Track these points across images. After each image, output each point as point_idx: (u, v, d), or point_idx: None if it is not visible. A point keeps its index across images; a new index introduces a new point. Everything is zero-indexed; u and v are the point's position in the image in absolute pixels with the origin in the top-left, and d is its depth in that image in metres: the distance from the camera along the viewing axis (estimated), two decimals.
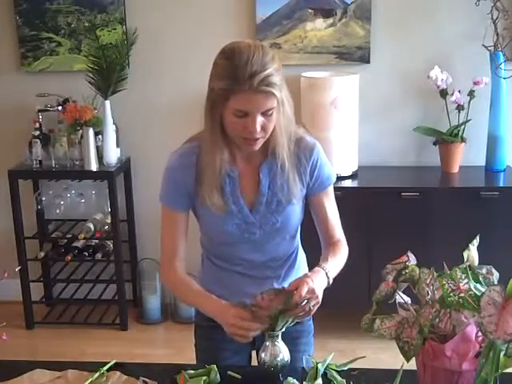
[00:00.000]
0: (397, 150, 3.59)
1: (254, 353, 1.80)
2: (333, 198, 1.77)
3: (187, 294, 1.72)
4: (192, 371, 1.54)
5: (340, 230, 1.77)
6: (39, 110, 3.49)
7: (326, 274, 1.60)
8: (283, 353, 1.56)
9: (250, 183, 1.68)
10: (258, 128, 1.53)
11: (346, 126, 3.30)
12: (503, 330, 1.12)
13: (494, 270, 1.33)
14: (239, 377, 1.57)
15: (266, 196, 1.67)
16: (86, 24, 3.52)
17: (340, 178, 3.31)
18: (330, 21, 3.44)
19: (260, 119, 1.52)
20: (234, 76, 1.48)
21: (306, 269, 1.86)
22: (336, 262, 1.69)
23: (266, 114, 1.52)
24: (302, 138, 1.70)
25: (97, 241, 3.66)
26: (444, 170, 3.42)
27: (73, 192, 3.64)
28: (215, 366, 1.55)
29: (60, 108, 3.44)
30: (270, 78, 1.49)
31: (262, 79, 1.48)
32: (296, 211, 1.70)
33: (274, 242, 1.72)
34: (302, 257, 1.85)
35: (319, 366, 1.54)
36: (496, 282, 1.30)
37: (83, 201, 3.65)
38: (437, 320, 1.26)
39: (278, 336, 1.55)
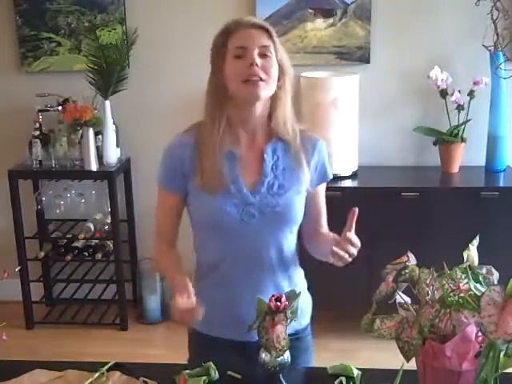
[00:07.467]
0: (397, 150, 3.59)
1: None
2: (324, 194, 1.81)
3: (163, 262, 1.75)
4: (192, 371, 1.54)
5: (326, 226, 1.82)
6: (39, 110, 3.49)
7: None
8: None
9: (253, 164, 1.68)
10: (258, 61, 1.57)
11: (345, 125, 3.30)
12: (503, 330, 1.12)
13: (493, 270, 1.33)
14: (239, 377, 1.57)
15: (268, 177, 1.66)
16: (86, 24, 3.52)
17: (340, 178, 3.31)
18: (330, 21, 3.44)
19: (259, 60, 1.58)
20: (233, 22, 1.62)
21: (305, 283, 1.84)
22: None
23: (263, 54, 1.59)
24: (305, 131, 1.74)
25: (97, 241, 3.66)
26: (444, 170, 3.42)
27: (73, 192, 3.64)
28: (211, 363, 1.54)
29: (60, 108, 3.44)
30: (268, 25, 1.64)
31: (258, 21, 1.65)
32: (297, 201, 1.68)
33: (273, 232, 1.68)
34: (300, 272, 1.83)
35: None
36: (496, 282, 1.30)
37: (83, 201, 3.65)
38: (437, 320, 1.26)
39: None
